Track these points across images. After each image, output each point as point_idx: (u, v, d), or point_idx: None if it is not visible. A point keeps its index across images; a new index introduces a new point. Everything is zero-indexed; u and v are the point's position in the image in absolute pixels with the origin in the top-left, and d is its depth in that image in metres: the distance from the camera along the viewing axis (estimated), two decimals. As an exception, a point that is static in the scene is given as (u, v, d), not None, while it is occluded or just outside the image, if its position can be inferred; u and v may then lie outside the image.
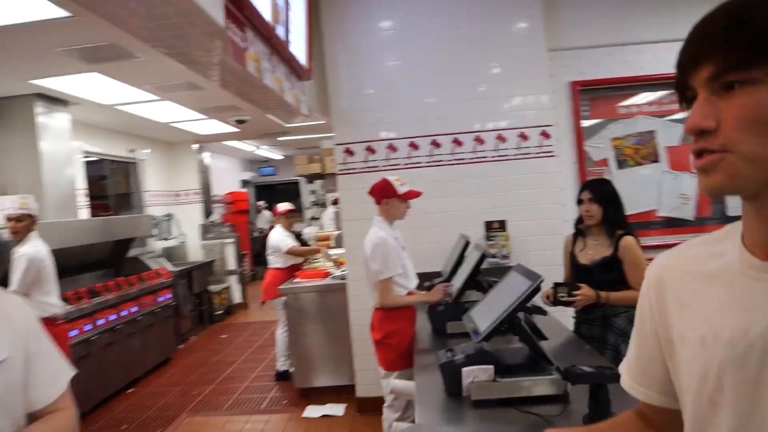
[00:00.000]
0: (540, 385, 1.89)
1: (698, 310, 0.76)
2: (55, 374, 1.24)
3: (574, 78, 4.38)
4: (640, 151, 4.43)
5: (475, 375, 1.94)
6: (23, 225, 3.82)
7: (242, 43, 2.38)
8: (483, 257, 2.96)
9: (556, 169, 4.28)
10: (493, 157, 4.26)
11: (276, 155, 13.86)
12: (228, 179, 12.56)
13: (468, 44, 4.28)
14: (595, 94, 4.44)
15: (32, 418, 1.18)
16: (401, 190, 3.17)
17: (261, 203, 14.12)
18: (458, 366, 1.99)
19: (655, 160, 4.41)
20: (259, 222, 13.60)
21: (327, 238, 6.71)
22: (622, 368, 0.96)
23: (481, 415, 1.89)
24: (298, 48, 3.50)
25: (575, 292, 2.75)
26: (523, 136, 4.24)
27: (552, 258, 4.04)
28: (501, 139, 4.24)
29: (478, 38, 4.27)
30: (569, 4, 4.38)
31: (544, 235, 4.19)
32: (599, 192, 2.87)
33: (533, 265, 4.07)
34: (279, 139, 10.27)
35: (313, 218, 10.58)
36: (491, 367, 1.94)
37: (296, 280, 5.17)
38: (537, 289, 1.95)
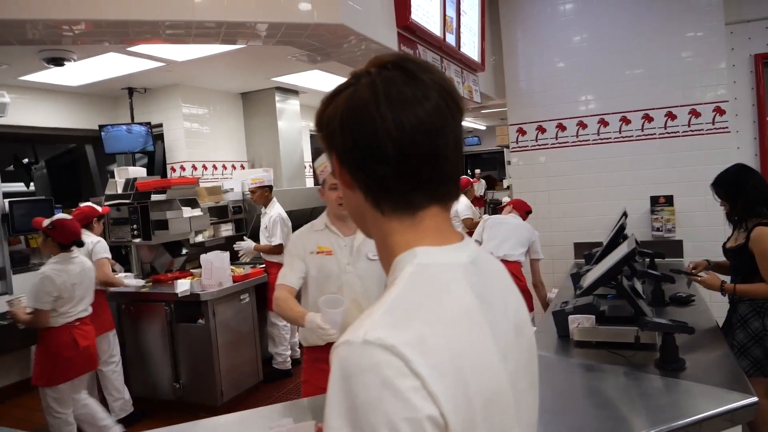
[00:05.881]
0: (625, 334, 2.31)
1: None
2: None
3: (758, 51, 4.25)
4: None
5: (579, 321, 2.44)
6: (257, 195, 5.02)
7: (413, 58, 3.07)
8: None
9: (729, 144, 4.23)
10: (662, 134, 4.37)
11: (480, 125, 14.43)
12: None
13: (645, 25, 4.39)
14: (786, 66, 4.27)
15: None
16: None
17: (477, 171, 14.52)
18: (566, 314, 2.50)
19: None
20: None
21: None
22: None
23: (583, 353, 2.38)
24: (471, 47, 4.08)
25: (700, 274, 2.83)
26: (695, 113, 4.28)
27: (719, 233, 4.11)
28: (671, 116, 4.34)
29: (654, 18, 4.35)
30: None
31: (712, 211, 4.21)
32: (718, 189, 2.88)
33: (699, 240, 4.23)
34: (482, 111, 10.84)
35: (508, 187, 11.02)
36: (593, 316, 2.42)
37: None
38: (631, 255, 2.35)
